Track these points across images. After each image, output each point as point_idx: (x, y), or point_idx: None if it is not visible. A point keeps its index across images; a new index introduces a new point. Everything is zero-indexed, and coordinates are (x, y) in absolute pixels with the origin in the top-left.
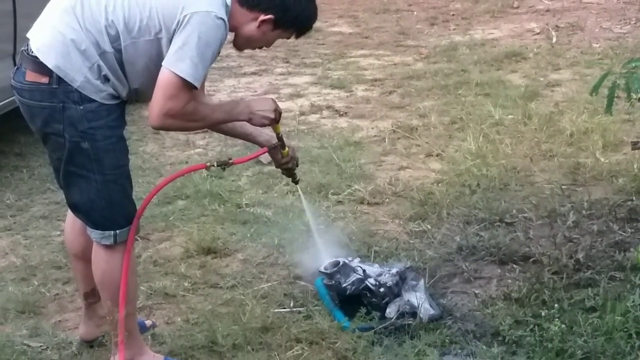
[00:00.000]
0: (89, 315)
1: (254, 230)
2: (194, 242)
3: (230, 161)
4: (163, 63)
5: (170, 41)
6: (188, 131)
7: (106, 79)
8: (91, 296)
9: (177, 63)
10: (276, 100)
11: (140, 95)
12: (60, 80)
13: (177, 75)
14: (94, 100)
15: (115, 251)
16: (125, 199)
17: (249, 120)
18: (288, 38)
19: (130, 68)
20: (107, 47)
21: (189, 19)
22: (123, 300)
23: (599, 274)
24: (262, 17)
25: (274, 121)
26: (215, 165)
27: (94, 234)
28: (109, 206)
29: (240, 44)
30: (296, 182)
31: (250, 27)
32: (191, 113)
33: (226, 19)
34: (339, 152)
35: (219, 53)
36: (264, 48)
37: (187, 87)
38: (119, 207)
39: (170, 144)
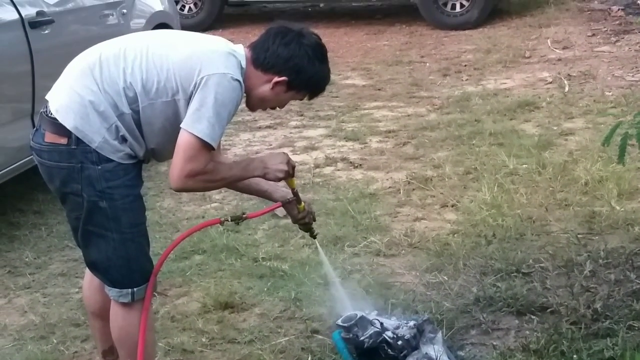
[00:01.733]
0: None
1: (271, 284)
2: (211, 297)
3: (244, 216)
4: (182, 125)
5: (187, 102)
6: (207, 191)
7: (124, 139)
8: (109, 354)
9: (195, 124)
10: (289, 155)
11: (158, 155)
12: (78, 141)
13: (196, 136)
14: (111, 160)
15: (132, 309)
16: (143, 257)
17: (264, 176)
18: (301, 99)
19: (147, 128)
20: (125, 108)
21: (206, 81)
22: (141, 358)
23: (617, 323)
24: (276, 79)
25: (289, 175)
26: (230, 220)
27: (112, 292)
28: (126, 264)
29: (253, 104)
30: (314, 237)
31: (264, 89)
32: (211, 172)
33: (242, 80)
34: (354, 204)
35: (235, 114)
36: (277, 108)
37: (205, 147)
38: (136, 265)
39: (187, 199)
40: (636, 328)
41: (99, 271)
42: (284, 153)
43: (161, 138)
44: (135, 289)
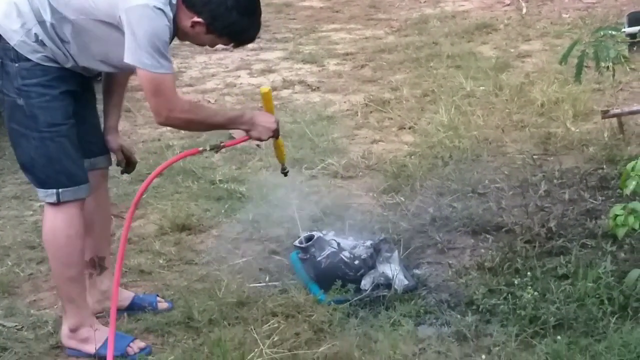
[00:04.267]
0: (89, 289)
1: (228, 206)
2: (168, 219)
3: (222, 144)
4: (125, 60)
5: (117, 28)
6: (192, 131)
7: (43, 44)
8: (90, 267)
9: (140, 59)
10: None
11: (93, 71)
12: (0, 37)
13: (146, 70)
14: (29, 60)
15: (59, 211)
16: (67, 159)
17: (248, 132)
18: (226, 45)
19: (75, 44)
20: (48, 17)
21: (129, 13)
22: (119, 268)
23: (571, 241)
24: (195, 18)
25: (275, 135)
26: (208, 149)
27: (39, 193)
28: (49, 164)
29: (180, 37)
30: (285, 173)
31: (186, 25)
32: (189, 111)
33: (167, 10)
34: (312, 126)
35: (172, 39)
36: (208, 47)
37: (160, 78)
38: (59, 166)
39: (142, 121)
40: (589, 246)
41: (27, 171)
42: (273, 116)
43: (88, 56)
44: (60, 190)
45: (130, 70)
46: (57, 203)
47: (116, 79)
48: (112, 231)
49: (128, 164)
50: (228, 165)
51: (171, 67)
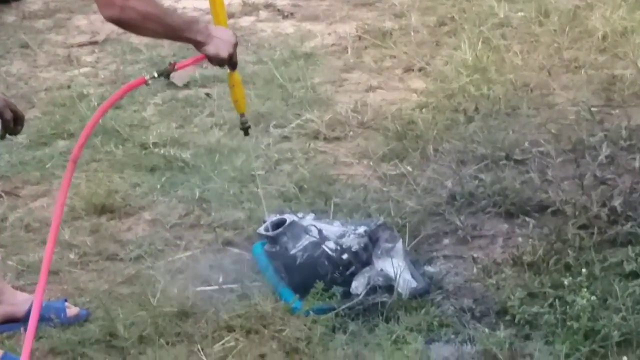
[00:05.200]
0: None
1: (166, 180)
2: (82, 198)
3: (174, 67)
4: None
5: None
6: (146, 32)
7: None
8: None
9: None
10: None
11: None
12: None
13: None
14: None
15: None
16: None
17: (203, 44)
18: None
19: None
20: None
21: None
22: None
23: None
24: None
25: (231, 59)
26: (157, 75)
27: None
28: None
29: None
30: (246, 129)
31: None
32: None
33: None
34: (283, 68)
35: None
36: None
37: None
38: None
39: (45, 61)
40: None
41: None
42: (234, 34)
43: None
44: None
45: None
46: None
47: None
48: (4, 214)
49: (16, 122)
50: (166, 122)
51: None
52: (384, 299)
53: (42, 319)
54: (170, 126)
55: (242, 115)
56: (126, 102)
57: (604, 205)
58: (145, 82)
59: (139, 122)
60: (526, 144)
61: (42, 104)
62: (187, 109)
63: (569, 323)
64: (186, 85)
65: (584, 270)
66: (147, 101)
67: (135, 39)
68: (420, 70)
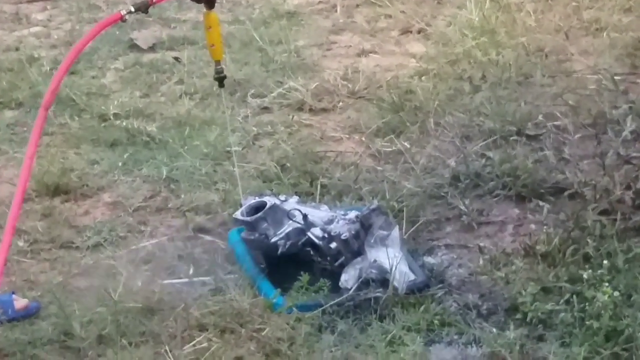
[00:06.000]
0: None
1: (129, 156)
2: (33, 177)
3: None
4: None
5: None
6: None
7: None
8: None
9: None
10: None
11: None
12: None
13: None
14: None
15: None
16: None
17: None
18: None
19: None
20: None
21: None
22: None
23: None
24: None
25: None
26: (133, 10)
27: None
28: None
29: None
30: (220, 79)
31: None
32: None
33: None
34: (263, 29)
35: None
36: None
37: None
38: None
39: None
40: None
41: None
42: None
43: None
44: None
45: None
46: None
47: None
48: None
49: None
50: (128, 90)
51: None
52: (378, 294)
53: None
54: (133, 95)
55: (217, 63)
56: (83, 67)
57: (628, 187)
58: (122, 18)
59: (98, 89)
60: (540, 117)
61: None
62: (152, 75)
63: (588, 322)
64: (152, 48)
65: (605, 262)
66: (107, 66)
67: None
68: (419, 32)
